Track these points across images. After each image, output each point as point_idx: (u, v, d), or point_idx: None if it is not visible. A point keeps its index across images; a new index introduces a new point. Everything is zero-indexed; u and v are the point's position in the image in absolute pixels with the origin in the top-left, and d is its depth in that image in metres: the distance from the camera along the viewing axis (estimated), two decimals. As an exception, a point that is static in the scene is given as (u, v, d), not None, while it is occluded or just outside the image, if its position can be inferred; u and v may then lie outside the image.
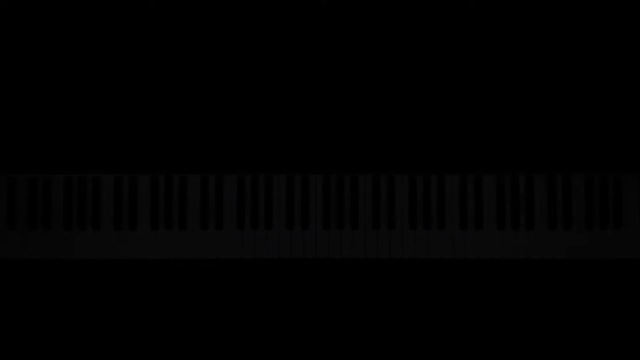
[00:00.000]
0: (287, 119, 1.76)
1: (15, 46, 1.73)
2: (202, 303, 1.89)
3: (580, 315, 1.90)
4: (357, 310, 1.91)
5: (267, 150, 1.75)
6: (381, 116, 1.73)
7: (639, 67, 1.72)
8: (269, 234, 1.78)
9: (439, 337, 1.90)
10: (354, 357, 1.89)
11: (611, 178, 1.77)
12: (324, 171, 1.75)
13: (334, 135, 1.74)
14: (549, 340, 1.90)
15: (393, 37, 1.74)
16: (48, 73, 1.74)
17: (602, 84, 1.72)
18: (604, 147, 1.72)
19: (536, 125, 1.72)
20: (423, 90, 1.73)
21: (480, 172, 1.76)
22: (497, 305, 1.91)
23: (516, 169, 1.75)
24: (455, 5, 1.73)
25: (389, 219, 1.77)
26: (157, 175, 1.78)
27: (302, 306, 1.91)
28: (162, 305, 1.91)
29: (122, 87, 1.74)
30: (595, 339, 1.90)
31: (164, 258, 1.78)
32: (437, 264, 1.77)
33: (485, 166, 1.74)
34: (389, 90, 1.74)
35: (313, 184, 1.79)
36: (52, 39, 1.74)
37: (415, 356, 1.89)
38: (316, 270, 1.88)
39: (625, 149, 1.72)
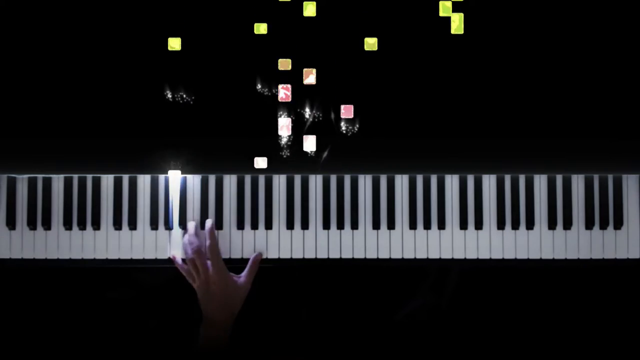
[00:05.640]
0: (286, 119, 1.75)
1: (11, 44, 1.73)
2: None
3: (580, 316, 1.90)
4: (357, 311, 1.91)
5: (266, 151, 1.75)
6: (381, 115, 1.73)
7: (639, 69, 1.72)
8: (268, 234, 1.78)
9: (438, 338, 1.90)
10: (355, 358, 1.89)
11: (611, 178, 1.77)
12: (324, 171, 1.75)
13: (333, 134, 1.74)
14: (549, 341, 1.90)
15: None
16: (46, 72, 1.74)
17: (602, 83, 1.72)
18: (604, 146, 1.72)
19: (536, 125, 1.72)
20: (423, 89, 1.73)
21: (480, 172, 1.76)
22: (496, 305, 1.91)
23: (516, 169, 1.75)
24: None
25: (389, 219, 1.77)
26: (157, 175, 1.78)
27: (302, 307, 1.91)
28: (162, 305, 1.91)
29: (121, 87, 1.74)
30: (595, 340, 1.90)
31: (164, 258, 1.78)
32: (437, 264, 1.77)
33: (485, 166, 1.74)
34: (389, 88, 1.73)
35: (313, 184, 1.78)
36: (51, 40, 1.74)
37: (415, 357, 1.90)
38: (316, 271, 1.88)
39: (625, 148, 1.72)
